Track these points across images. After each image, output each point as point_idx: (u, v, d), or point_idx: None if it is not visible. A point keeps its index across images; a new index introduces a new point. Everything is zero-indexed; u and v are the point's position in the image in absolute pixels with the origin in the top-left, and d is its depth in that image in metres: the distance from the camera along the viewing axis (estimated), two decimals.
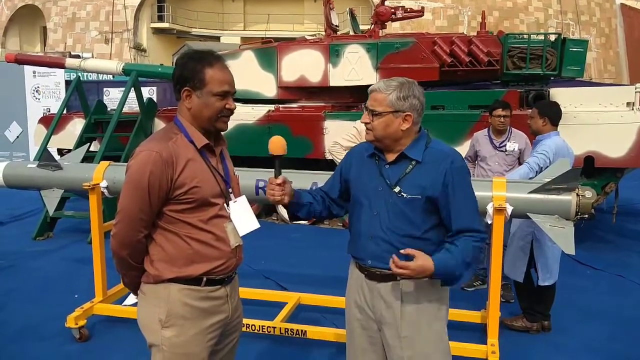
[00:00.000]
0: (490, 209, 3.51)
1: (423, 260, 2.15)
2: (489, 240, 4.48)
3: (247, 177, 3.97)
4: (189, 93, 2.17)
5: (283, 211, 2.51)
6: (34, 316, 4.71)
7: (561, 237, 3.43)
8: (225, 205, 2.27)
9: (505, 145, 5.19)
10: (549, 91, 6.77)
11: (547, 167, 4.03)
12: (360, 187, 2.45)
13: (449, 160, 2.31)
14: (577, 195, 3.42)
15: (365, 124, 2.36)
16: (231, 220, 2.29)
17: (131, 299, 2.47)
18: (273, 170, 2.42)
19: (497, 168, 5.20)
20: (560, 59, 7.16)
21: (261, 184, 4.09)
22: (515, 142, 5.19)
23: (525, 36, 7.55)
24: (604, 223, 7.59)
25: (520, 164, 5.09)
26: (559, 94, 6.72)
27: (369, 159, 2.45)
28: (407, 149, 2.33)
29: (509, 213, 3.50)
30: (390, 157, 2.37)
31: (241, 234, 2.32)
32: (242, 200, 2.36)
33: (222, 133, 2.33)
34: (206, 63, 2.16)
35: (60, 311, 4.47)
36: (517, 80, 7.49)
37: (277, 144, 2.41)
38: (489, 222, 3.57)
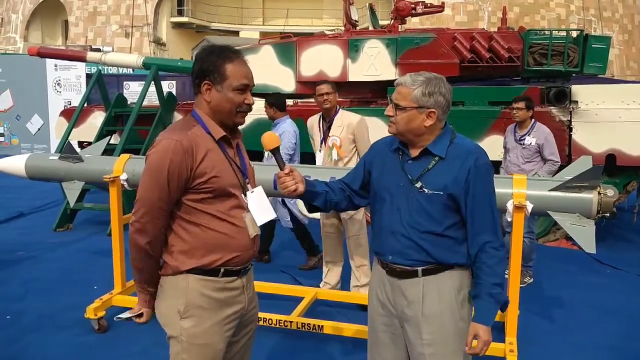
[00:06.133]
0: (510, 206, 3.47)
1: (485, 336, 2.26)
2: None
3: (265, 171, 3.96)
4: (209, 87, 2.19)
5: (302, 206, 2.49)
6: (53, 306, 4.78)
7: (582, 235, 3.40)
8: (242, 195, 2.29)
9: (524, 138, 5.43)
10: (570, 88, 6.68)
11: None
12: (382, 182, 2.42)
13: (474, 157, 2.26)
14: (599, 193, 3.38)
15: (389, 117, 2.34)
16: (249, 211, 2.30)
17: (127, 312, 2.46)
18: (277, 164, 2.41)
19: (514, 160, 5.48)
20: (582, 56, 7.07)
21: (276, 178, 4.08)
22: (534, 136, 5.40)
23: (546, 32, 7.46)
24: (625, 222, 7.51)
25: (542, 158, 5.38)
26: (580, 91, 6.64)
27: (392, 153, 2.42)
28: (431, 145, 2.30)
29: (529, 211, 3.46)
30: (414, 152, 2.34)
31: (259, 223, 2.33)
32: (259, 191, 2.37)
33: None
34: (226, 57, 2.18)
35: (79, 302, 4.53)
36: (538, 76, 7.41)
37: (269, 138, 2.40)
38: (509, 219, 3.53)
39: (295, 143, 5.69)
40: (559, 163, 5.33)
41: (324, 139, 4.79)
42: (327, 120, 4.80)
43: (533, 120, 5.49)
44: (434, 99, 2.26)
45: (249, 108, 2.26)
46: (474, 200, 2.26)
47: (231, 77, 2.17)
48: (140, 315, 2.36)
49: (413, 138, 2.32)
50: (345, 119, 4.74)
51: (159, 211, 2.16)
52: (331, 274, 4.96)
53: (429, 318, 2.32)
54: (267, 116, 5.98)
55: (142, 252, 2.23)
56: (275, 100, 5.99)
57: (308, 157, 7.16)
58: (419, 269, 2.33)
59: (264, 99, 7.88)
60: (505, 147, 5.70)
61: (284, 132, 5.57)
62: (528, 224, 5.12)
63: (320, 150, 4.84)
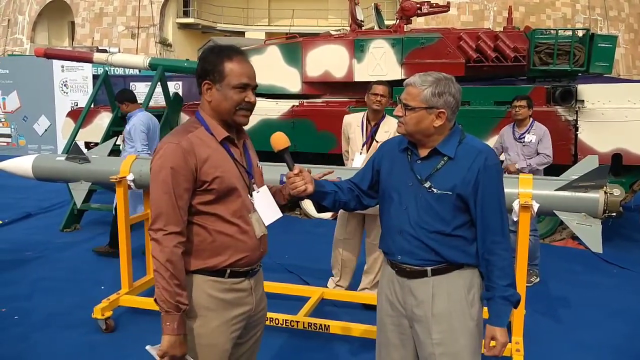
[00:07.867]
0: (516, 206, 3.47)
1: (502, 338, 2.29)
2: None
3: (272, 171, 3.97)
4: (209, 86, 2.18)
5: (309, 206, 2.48)
6: (61, 306, 4.80)
7: (588, 235, 3.39)
8: (249, 196, 2.28)
9: (524, 136, 5.53)
10: (576, 87, 6.67)
11: None
12: (391, 181, 2.41)
13: (483, 157, 2.25)
14: (605, 193, 3.38)
15: (397, 117, 2.33)
16: (255, 211, 2.29)
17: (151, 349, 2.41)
18: (286, 165, 2.41)
19: (515, 158, 5.57)
20: (588, 55, 7.05)
21: (285, 179, 4.09)
22: (534, 134, 5.52)
23: (552, 32, 7.45)
24: (631, 221, 7.49)
25: (538, 154, 5.49)
26: (586, 91, 6.63)
27: (401, 153, 2.41)
28: (440, 145, 2.30)
29: (536, 210, 3.46)
30: (423, 152, 2.33)
31: (266, 223, 2.32)
32: (264, 190, 2.36)
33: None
34: (225, 56, 2.17)
35: (87, 302, 4.56)
36: (544, 76, 7.40)
37: (279, 138, 2.40)
38: (515, 219, 3.53)
39: (146, 133, 6.10)
40: (551, 158, 5.45)
41: (367, 142, 4.67)
42: (374, 124, 4.68)
43: (531, 118, 5.58)
44: (444, 100, 2.25)
45: (250, 106, 2.22)
46: (483, 201, 2.26)
47: (230, 76, 2.15)
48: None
49: (422, 138, 2.32)
50: (392, 126, 4.58)
51: (179, 218, 2.11)
52: (344, 277, 4.86)
53: (438, 317, 2.31)
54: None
55: (178, 264, 2.11)
56: (123, 96, 6.34)
57: (316, 159, 7.19)
58: (429, 268, 2.32)
59: (268, 99, 7.96)
60: (502, 147, 5.76)
61: (133, 126, 6.07)
62: (532, 221, 5.13)
63: (361, 153, 4.68)
